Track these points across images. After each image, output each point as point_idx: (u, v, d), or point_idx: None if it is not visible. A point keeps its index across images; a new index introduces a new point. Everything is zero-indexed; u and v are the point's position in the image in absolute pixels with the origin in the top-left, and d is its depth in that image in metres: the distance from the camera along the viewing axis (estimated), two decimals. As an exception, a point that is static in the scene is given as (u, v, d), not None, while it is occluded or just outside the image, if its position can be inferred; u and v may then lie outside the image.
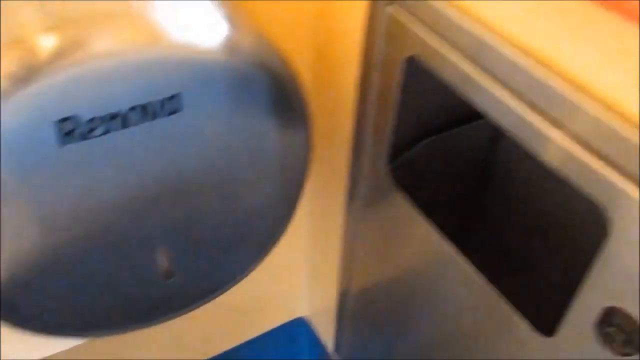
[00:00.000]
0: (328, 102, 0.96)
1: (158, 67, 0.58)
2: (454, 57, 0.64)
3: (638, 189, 0.50)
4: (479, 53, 0.62)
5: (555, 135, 0.55)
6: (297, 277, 1.25)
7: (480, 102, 0.63)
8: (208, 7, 0.67)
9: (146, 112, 0.58)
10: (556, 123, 0.55)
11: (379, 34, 0.75)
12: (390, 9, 0.72)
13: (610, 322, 0.53)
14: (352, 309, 1.08)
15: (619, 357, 0.54)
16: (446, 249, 0.76)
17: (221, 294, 0.83)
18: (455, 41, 0.64)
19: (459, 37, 0.63)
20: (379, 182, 0.86)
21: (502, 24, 0.60)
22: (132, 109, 0.58)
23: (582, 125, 0.53)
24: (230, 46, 0.63)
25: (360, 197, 0.93)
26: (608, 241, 0.52)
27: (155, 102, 0.58)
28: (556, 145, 0.55)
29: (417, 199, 0.81)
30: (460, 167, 0.96)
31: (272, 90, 0.67)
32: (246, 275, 0.83)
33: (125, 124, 0.58)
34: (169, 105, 0.60)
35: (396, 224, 0.86)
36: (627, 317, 0.52)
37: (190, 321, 0.93)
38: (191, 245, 0.74)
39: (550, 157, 0.57)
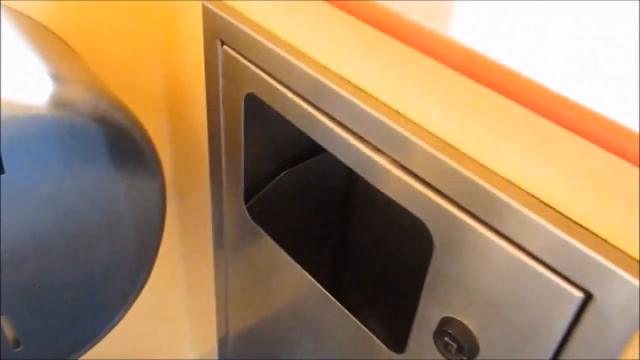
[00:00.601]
0: (185, 145, 0.96)
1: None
2: (286, 94, 0.66)
3: (451, 205, 0.52)
4: (305, 89, 0.64)
5: (382, 162, 0.58)
6: (179, 323, 1.23)
7: (317, 137, 0.65)
8: (33, 64, 0.66)
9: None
10: (379, 151, 0.58)
11: (219, 73, 0.76)
12: (224, 49, 0.73)
13: (447, 332, 0.56)
14: (233, 350, 1.07)
15: (455, 366, 0.56)
16: (309, 283, 0.76)
17: (87, 350, 0.80)
18: (284, 79, 0.66)
19: (287, 75, 0.65)
20: (240, 221, 0.86)
21: (330, 62, 0.62)
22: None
23: (401, 151, 0.56)
24: (57, 101, 0.62)
25: (225, 239, 0.92)
26: (434, 256, 0.55)
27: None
28: (384, 171, 0.58)
29: (281, 234, 0.82)
30: (321, 196, 0.97)
31: (111, 141, 0.67)
32: (111, 329, 0.81)
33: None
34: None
35: (262, 263, 0.86)
36: (460, 325, 0.55)
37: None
38: (40, 308, 0.71)
39: (376, 181, 0.59)
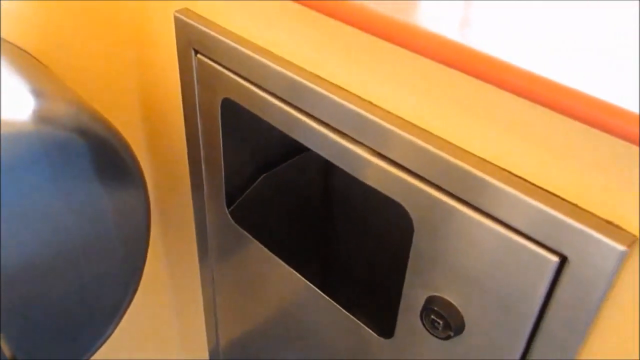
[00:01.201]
0: (165, 155, 0.97)
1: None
2: (262, 95, 0.68)
3: (427, 186, 0.55)
4: (280, 89, 0.66)
5: (360, 152, 0.60)
6: (168, 333, 1.24)
7: (295, 135, 0.67)
8: (13, 81, 0.67)
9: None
10: (356, 142, 0.60)
11: (194, 81, 0.78)
12: (198, 58, 0.75)
13: (433, 309, 0.58)
14: (224, 357, 1.08)
15: (443, 342, 0.58)
16: (296, 280, 0.78)
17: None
18: (259, 82, 0.68)
19: (262, 77, 0.67)
20: (223, 226, 0.87)
21: (302, 60, 0.64)
22: None
23: (377, 139, 0.58)
24: (40, 116, 0.63)
25: (210, 245, 0.94)
26: (414, 237, 0.57)
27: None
28: (362, 161, 0.60)
29: (265, 235, 0.83)
30: (301, 195, 0.99)
31: (93, 153, 0.68)
32: (104, 341, 0.81)
33: None
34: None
35: (248, 265, 0.87)
36: (445, 301, 0.57)
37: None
38: (33, 325, 0.72)
39: (355, 171, 0.61)
